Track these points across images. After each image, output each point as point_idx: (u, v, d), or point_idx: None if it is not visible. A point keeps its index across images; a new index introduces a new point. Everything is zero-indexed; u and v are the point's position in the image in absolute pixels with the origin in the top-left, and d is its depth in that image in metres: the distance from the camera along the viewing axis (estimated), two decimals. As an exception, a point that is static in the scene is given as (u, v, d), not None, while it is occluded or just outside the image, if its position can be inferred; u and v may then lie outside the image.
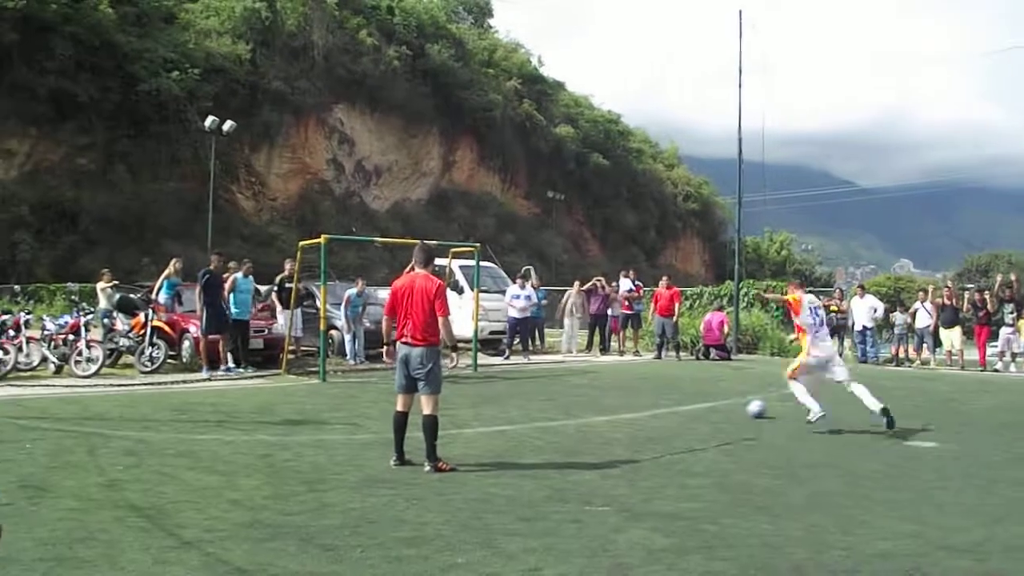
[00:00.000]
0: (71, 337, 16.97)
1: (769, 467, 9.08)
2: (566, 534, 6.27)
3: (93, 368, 16.28)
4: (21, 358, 16.18)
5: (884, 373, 21.23)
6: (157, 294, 18.59)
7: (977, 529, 6.69)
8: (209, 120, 38.10)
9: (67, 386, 15.01)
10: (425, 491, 7.58)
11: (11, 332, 16.28)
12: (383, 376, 15.62)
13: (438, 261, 12.60)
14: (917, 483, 8.39)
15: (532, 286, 23.99)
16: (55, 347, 17.02)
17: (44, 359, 16.73)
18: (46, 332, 17.45)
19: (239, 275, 17.89)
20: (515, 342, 23.69)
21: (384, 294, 13.79)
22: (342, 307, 19.82)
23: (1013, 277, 23.21)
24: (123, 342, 17.90)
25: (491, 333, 23.76)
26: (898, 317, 24.24)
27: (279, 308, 19.69)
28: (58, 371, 16.59)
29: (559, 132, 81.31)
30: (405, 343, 8.62)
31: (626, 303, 25.20)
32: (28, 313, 19.12)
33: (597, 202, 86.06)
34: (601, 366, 21.84)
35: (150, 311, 17.48)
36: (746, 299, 28.32)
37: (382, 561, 5.56)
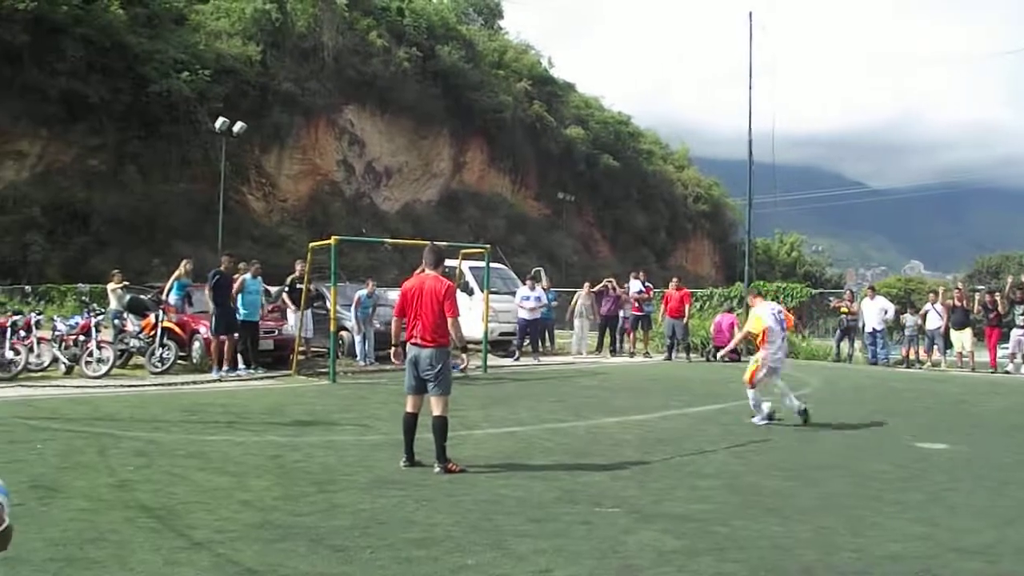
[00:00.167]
0: (82, 338, 17.03)
1: (779, 469, 9.06)
2: (576, 535, 6.26)
3: (104, 369, 16.31)
4: (32, 359, 16.23)
5: (895, 375, 21.20)
6: (167, 295, 18.59)
7: (988, 531, 6.67)
8: (220, 121, 38.25)
9: (78, 387, 15.04)
10: (435, 492, 7.58)
11: (22, 333, 16.30)
12: (393, 377, 15.61)
13: (448, 262, 12.60)
14: (928, 485, 8.36)
15: (542, 287, 23.97)
16: (66, 348, 17.06)
17: (55, 360, 16.76)
18: (57, 333, 17.51)
19: (247, 276, 17.91)
20: (525, 343, 23.68)
21: (394, 295, 13.81)
22: (352, 308, 19.82)
23: (1024, 278, 23.12)
24: (134, 343, 17.95)
25: (501, 334, 23.74)
26: (909, 319, 24.14)
27: (291, 308, 19.70)
28: (69, 372, 16.62)
29: (569, 133, 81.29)
30: (415, 344, 8.62)
31: (636, 304, 25.19)
32: (39, 314, 19.14)
33: (607, 203, 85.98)
34: (611, 367, 21.83)
35: (160, 312, 17.51)
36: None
37: (392, 562, 5.56)
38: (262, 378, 17.23)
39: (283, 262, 27.61)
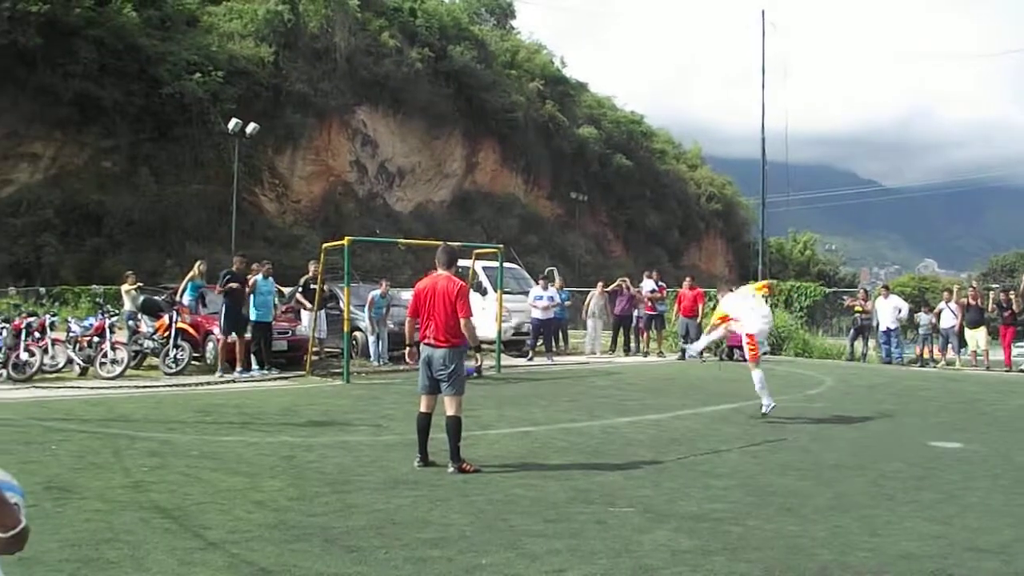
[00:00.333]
0: (96, 339, 17.07)
1: (794, 468, 9.03)
2: (590, 535, 6.25)
3: (118, 370, 16.37)
4: (46, 360, 16.28)
5: (909, 374, 21.12)
6: (181, 296, 18.67)
7: (1004, 530, 6.63)
8: (232, 123, 38.34)
9: (92, 388, 15.11)
10: (449, 492, 7.58)
11: (36, 334, 16.39)
12: (407, 377, 15.63)
13: (462, 262, 12.61)
14: (943, 484, 8.32)
15: (555, 287, 23.95)
16: (80, 349, 17.11)
17: (69, 361, 16.83)
18: (71, 334, 17.56)
19: (259, 277, 17.93)
20: (538, 343, 23.67)
21: (407, 296, 13.82)
22: (366, 309, 19.85)
23: (1039, 277, 23.02)
24: (148, 344, 18.01)
25: (514, 334, 23.73)
26: (923, 317, 24.05)
27: (305, 309, 19.72)
28: (83, 373, 16.69)
29: (582, 133, 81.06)
30: (428, 344, 8.63)
31: (649, 304, 25.15)
32: (53, 315, 19.26)
33: (620, 203, 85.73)
34: (624, 367, 21.80)
35: (174, 313, 17.58)
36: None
37: (406, 562, 5.56)
38: (276, 379, 17.25)
39: (296, 263, 27.70)
